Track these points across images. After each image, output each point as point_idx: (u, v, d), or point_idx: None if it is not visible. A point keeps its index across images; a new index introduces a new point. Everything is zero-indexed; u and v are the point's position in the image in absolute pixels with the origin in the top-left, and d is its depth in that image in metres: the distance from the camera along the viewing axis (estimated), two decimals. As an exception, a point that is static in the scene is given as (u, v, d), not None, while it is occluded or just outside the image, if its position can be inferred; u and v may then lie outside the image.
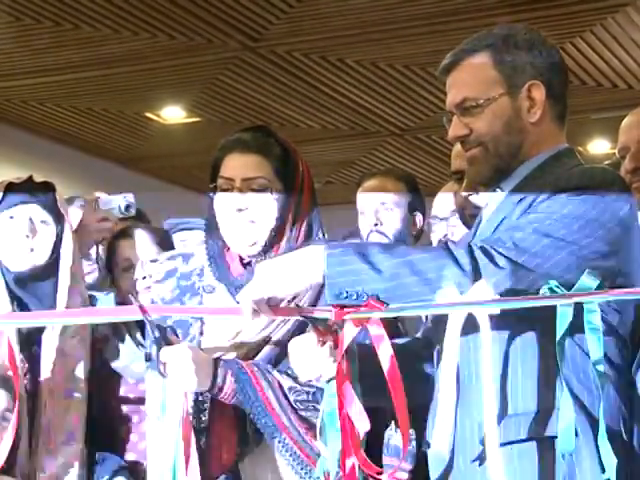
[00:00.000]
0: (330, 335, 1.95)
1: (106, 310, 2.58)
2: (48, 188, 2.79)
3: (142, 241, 3.11)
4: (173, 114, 7.47)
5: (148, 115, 7.47)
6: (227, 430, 2.32)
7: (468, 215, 2.91)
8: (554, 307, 1.84)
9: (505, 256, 1.84)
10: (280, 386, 2.27)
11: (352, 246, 1.95)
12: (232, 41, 6.07)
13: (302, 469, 2.28)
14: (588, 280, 1.80)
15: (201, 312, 2.37)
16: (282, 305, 1.97)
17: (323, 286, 1.87)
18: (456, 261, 1.83)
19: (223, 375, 2.24)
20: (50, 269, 2.75)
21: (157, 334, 2.14)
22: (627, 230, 1.95)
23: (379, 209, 3.46)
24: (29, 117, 7.46)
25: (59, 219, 2.78)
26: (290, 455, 2.28)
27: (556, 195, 1.93)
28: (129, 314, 2.14)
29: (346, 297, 1.84)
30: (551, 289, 1.81)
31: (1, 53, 6.18)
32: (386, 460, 2.66)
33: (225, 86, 6.86)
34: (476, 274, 1.82)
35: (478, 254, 1.84)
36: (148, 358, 2.23)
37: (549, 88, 2.08)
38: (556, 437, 1.86)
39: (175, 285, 2.47)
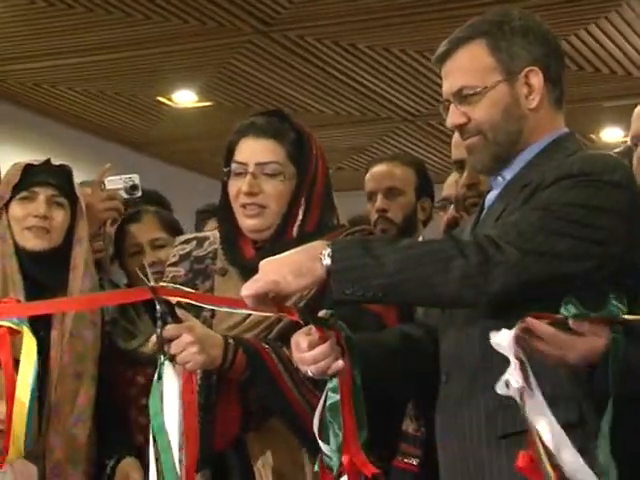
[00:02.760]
0: (332, 331, 1.95)
1: (118, 294, 2.59)
2: (65, 171, 2.83)
3: (150, 226, 3.11)
4: (185, 98, 7.46)
5: (160, 99, 7.46)
6: (232, 407, 2.32)
7: (469, 204, 2.91)
8: (559, 297, 1.84)
9: (511, 245, 1.84)
10: (290, 361, 2.27)
11: (357, 241, 1.95)
12: (244, 25, 6.06)
13: (311, 444, 2.28)
14: (614, 307, 1.76)
15: (209, 301, 2.33)
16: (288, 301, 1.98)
17: (328, 283, 1.87)
18: (462, 253, 1.83)
19: (234, 351, 2.25)
20: (64, 251, 2.78)
21: (165, 309, 2.12)
22: (630, 217, 1.94)
23: (387, 195, 3.46)
24: (41, 100, 7.47)
25: (74, 202, 2.81)
26: (299, 430, 2.29)
27: (559, 182, 1.93)
28: (140, 296, 2.13)
29: (352, 293, 1.84)
30: (568, 308, 1.76)
31: (14, 36, 6.18)
32: (403, 447, 2.68)
33: (237, 70, 6.85)
34: (482, 265, 1.82)
35: (484, 245, 1.84)
36: (157, 338, 2.21)
37: (546, 73, 2.06)
38: (565, 425, 1.87)
39: (189, 268, 2.48)
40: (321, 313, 1.96)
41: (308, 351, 1.95)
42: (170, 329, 2.15)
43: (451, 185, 3.20)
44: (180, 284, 2.46)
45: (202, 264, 2.48)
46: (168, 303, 2.13)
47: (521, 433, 1.89)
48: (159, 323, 2.13)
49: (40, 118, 7.69)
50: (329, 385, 1.96)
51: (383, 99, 7.42)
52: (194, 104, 7.56)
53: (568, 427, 1.86)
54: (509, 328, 1.92)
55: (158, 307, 2.11)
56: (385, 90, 7.22)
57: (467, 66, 2.06)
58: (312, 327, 1.96)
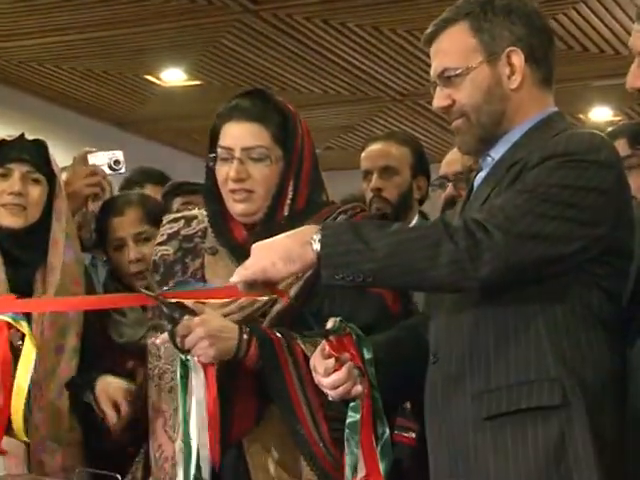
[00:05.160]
0: (344, 349, 1.94)
1: (118, 298, 2.64)
2: (40, 146, 2.79)
3: (133, 219, 3.07)
4: (173, 77, 7.44)
5: (148, 78, 7.43)
6: (250, 400, 2.29)
7: (474, 177, 2.91)
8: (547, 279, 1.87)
9: (499, 229, 1.84)
10: (304, 355, 2.25)
11: (347, 225, 1.95)
12: (234, 4, 6.03)
13: (300, 439, 2.27)
14: None
15: (207, 297, 2.33)
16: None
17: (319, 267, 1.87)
18: (451, 238, 1.83)
19: (248, 340, 2.24)
20: (43, 227, 2.76)
21: (174, 310, 2.16)
22: (617, 196, 1.95)
23: (382, 174, 3.45)
24: (29, 78, 7.43)
25: (51, 177, 2.79)
26: (295, 431, 2.26)
27: (544, 162, 1.93)
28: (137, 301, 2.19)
29: (341, 277, 1.85)
30: None
31: (1, 13, 6.14)
32: (399, 421, 2.69)
33: (226, 49, 6.82)
34: (471, 250, 1.82)
35: (473, 229, 1.84)
36: (170, 335, 2.22)
37: (530, 53, 2.05)
38: (548, 407, 1.88)
39: (177, 247, 2.48)
40: (329, 323, 1.97)
41: (325, 377, 1.97)
42: (180, 328, 2.18)
43: (450, 163, 3.19)
44: (170, 263, 2.47)
45: (191, 243, 2.47)
46: (178, 305, 2.16)
47: (506, 415, 1.91)
48: (170, 324, 2.18)
49: (27, 96, 7.65)
50: (351, 404, 1.97)
51: (372, 78, 7.40)
52: (182, 83, 7.54)
53: (551, 409, 1.88)
54: (497, 312, 1.94)
55: (165, 310, 2.13)
56: (374, 69, 7.20)
57: (450, 48, 2.06)
58: (325, 346, 1.97)
